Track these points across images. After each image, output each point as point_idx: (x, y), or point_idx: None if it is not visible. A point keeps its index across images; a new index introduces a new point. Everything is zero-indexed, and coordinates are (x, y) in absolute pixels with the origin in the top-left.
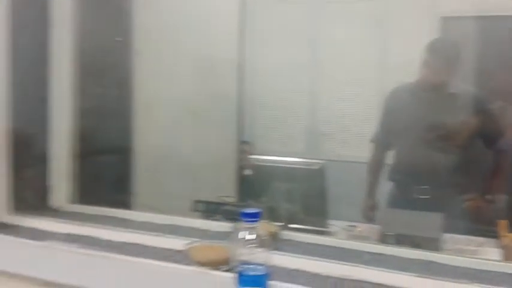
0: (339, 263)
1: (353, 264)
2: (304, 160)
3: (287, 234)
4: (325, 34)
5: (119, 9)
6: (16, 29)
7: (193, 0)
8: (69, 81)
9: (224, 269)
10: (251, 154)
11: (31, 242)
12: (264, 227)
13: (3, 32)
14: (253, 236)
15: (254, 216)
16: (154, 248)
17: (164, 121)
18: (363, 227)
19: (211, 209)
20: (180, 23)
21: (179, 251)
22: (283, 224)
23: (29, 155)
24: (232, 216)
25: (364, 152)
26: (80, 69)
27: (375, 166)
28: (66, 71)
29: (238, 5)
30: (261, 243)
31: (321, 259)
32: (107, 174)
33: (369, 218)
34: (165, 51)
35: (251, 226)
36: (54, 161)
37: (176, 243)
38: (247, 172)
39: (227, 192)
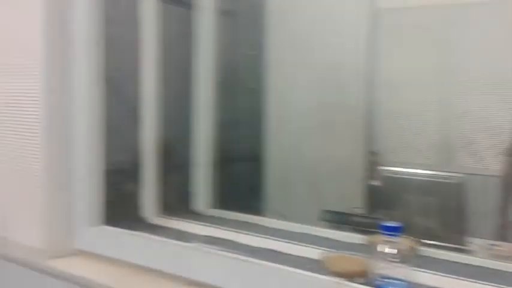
0: (484, 284)
1: (500, 285)
2: (440, 173)
3: (424, 250)
4: (460, 40)
5: (253, 24)
6: (164, 45)
7: (323, 13)
8: (209, 94)
9: (360, 281)
10: (380, 165)
11: (178, 242)
12: (403, 241)
13: (153, 50)
14: (393, 250)
15: (395, 230)
16: (289, 255)
17: (293, 130)
18: (505, 246)
19: (339, 219)
20: (310, 35)
21: (313, 260)
22: (416, 239)
23: (174, 162)
24: (361, 227)
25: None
26: (218, 82)
27: (510, 180)
28: (207, 84)
29: (367, 13)
30: (401, 258)
31: (464, 278)
32: (241, 181)
33: (503, 237)
34: (295, 61)
35: (390, 240)
36: (195, 168)
37: (309, 251)
38: (376, 183)
39: (354, 203)
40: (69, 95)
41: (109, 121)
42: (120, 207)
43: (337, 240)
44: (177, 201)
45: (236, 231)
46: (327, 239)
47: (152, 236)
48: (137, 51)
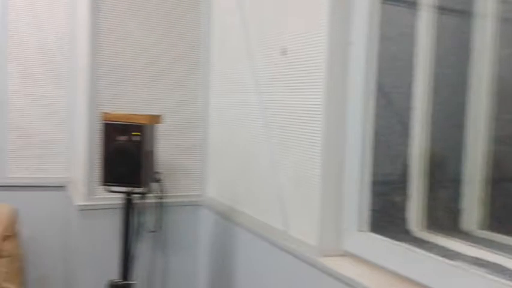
0: None
1: None
2: None
3: None
4: None
5: None
6: (438, 57)
7: None
8: (485, 108)
9: None
10: None
11: (442, 259)
12: None
13: (427, 63)
14: None
15: None
16: None
17: None
18: None
19: None
20: None
21: None
22: None
23: (443, 177)
24: None
25: None
26: (496, 95)
27: None
28: (483, 98)
29: None
30: None
31: None
32: None
33: None
34: None
35: None
36: (467, 185)
37: None
38: None
39: None
40: (344, 108)
41: (379, 133)
42: (385, 217)
43: None
44: (443, 217)
45: (508, 257)
46: None
47: (416, 249)
48: (411, 64)
